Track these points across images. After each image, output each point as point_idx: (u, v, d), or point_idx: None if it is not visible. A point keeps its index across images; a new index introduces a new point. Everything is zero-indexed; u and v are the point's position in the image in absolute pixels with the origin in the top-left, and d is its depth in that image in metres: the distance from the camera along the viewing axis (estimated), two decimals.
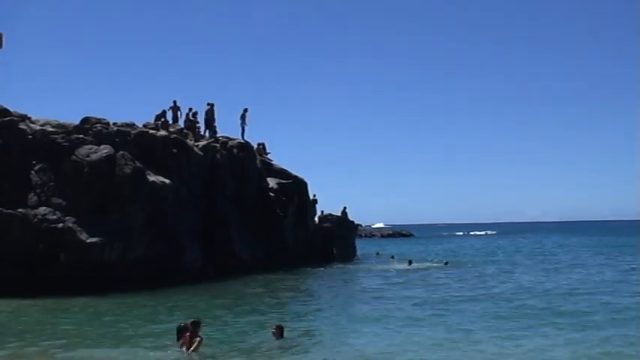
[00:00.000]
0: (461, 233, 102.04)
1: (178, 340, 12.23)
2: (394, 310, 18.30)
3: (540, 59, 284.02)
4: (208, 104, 32.61)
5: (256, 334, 14.59)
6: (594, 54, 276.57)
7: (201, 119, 32.40)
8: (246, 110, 34.26)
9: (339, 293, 23.40)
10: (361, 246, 49.20)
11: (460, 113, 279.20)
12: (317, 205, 40.17)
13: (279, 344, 13.06)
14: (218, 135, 32.47)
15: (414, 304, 19.30)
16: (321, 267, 34.06)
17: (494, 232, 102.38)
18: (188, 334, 12.12)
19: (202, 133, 32.20)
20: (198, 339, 12.07)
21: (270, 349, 12.81)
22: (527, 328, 15.10)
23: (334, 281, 27.78)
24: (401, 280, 27.22)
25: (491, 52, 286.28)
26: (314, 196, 39.34)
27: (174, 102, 31.77)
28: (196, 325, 12.29)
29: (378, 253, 44.33)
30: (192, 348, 11.91)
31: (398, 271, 32.33)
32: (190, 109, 32.31)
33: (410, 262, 35.72)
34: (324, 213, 41.39)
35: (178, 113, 31.85)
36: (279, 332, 13.34)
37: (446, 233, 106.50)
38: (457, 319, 16.42)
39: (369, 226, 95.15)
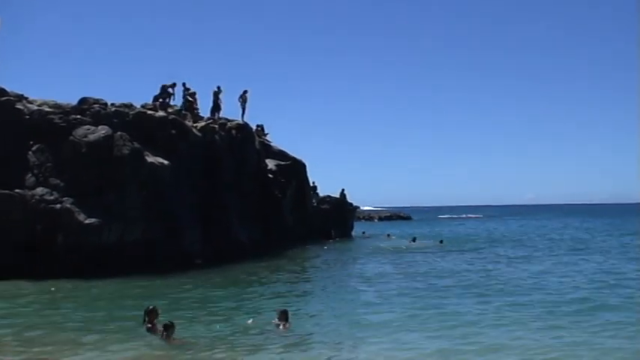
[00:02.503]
0: (464, 215, 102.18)
1: (143, 322, 12.14)
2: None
3: (539, 39, 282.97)
4: (218, 87, 32.37)
5: (255, 319, 14.00)
6: (597, 30, 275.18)
7: (206, 102, 32.16)
8: (245, 92, 34.07)
9: (344, 276, 23.30)
10: (361, 228, 49.31)
11: (457, 97, 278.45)
12: (317, 191, 40.37)
13: (283, 334, 12.53)
14: (217, 116, 32.23)
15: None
16: (325, 245, 34.71)
17: (489, 215, 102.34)
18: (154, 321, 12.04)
19: (211, 114, 31.94)
20: (160, 329, 11.85)
21: (274, 342, 12.05)
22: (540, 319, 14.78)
23: (340, 262, 27.72)
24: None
25: (490, 33, 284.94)
26: (313, 183, 39.47)
27: (174, 84, 31.09)
28: (153, 312, 12.17)
29: (389, 235, 44.21)
30: (166, 339, 11.57)
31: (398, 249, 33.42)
32: (188, 89, 31.93)
33: (414, 240, 37.81)
34: (322, 195, 41.46)
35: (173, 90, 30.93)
36: (284, 317, 13.04)
37: (444, 216, 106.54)
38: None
39: (359, 207, 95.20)
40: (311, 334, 12.83)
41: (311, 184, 39.91)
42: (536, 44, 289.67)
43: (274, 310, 13.84)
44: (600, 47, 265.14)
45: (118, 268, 21.52)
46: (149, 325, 12.12)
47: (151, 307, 12.48)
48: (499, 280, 20.76)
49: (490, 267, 24.66)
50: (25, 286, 19.29)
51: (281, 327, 12.87)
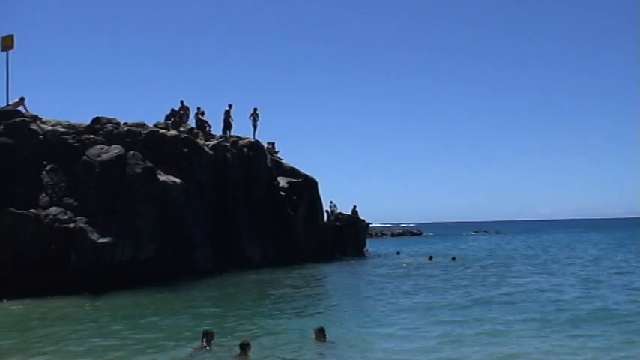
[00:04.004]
0: (473, 233, 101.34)
1: (202, 341, 12.62)
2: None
3: (558, 51, 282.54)
4: (229, 105, 32.77)
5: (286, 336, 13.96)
6: (615, 47, 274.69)
7: (217, 119, 32.55)
8: (255, 109, 34.40)
9: (362, 291, 22.85)
10: (372, 245, 49.31)
11: (470, 112, 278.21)
12: (335, 209, 40.97)
13: (321, 350, 12.54)
14: (228, 134, 32.57)
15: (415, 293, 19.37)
16: (336, 259, 34.81)
17: (499, 232, 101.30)
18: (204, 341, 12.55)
19: (222, 133, 32.30)
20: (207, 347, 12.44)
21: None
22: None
23: (353, 279, 27.68)
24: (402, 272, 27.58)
25: (502, 45, 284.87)
26: (331, 202, 40.36)
27: (182, 102, 31.58)
28: (210, 334, 12.67)
29: (398, 253, 44.24)
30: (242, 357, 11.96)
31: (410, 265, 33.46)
32: (199, 108, 32.35)
33: (430, 258, 37.63)
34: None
35: (187, 112, 31.69)
36: (321, 335, 13.07)
37: (456, 232, 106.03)
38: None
39: (371, 224, 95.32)
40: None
41: (331, 203, 40.88)
42: (549, 56, 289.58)
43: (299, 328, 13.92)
44: (619, 56, 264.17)
45: (130, 285, 21.84)
46: (206, 347, 12.57)
47: (208, 328, 13.04)
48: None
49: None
50: (60, 303, 19.51)
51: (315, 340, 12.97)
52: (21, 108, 25.88)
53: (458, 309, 17.58)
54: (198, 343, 12.64)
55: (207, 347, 12.52)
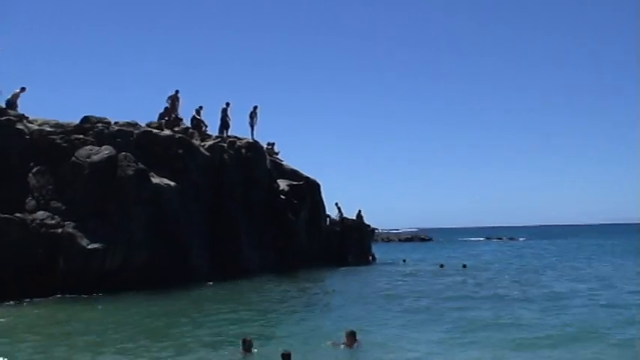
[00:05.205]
0: (482, 238, 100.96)
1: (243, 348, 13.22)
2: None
3: (583, 49, 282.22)
4: (226, 104, 32.63)
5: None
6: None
7: (213, 118, 32.43)
8: (256, 108, 34.27)
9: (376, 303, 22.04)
10: (379, 250, 49.13)
11: (487, 107, 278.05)
12: (341, 212, 40.80)
13: (352, 354, 13.10)
14: (225, 134, 32.47)
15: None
16: (340, 266, 34.80)
17: (522, 238, 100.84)
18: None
19: (219, 133, 32.18)
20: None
21: None
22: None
23: (359, 286, 27.46)
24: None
25: (525, 38, 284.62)
26: (337, 204, 40.16)
27: (177, 92, 30.99)
28: (248, 342, 13.26)
29: (404, 260, 43.65)
30: None
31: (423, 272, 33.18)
32: (199, 108, 32.18)
33: (442, 266, 37.23)
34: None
35: (178, 104, 31.21)
36: (353, 337, 13.47)
37: (469, 238, 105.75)
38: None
39: (377, 229, 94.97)
40: None
41: (336, 205, 40.78)
42: (566, 54, 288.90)
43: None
44: None
45: (121, 292, 21.85)
46: (246, 354, 13.07)
47: (247, 337, 13.50)
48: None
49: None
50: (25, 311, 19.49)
51: (345, 346, 13.38)
52: (18, 100, 26.15)
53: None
54: (235, 350, 13.17)
55: (246, 354, 12.99)
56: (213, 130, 32.48)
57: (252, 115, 34.06)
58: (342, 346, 13.47)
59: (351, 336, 13.50)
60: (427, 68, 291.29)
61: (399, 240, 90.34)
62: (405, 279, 29.81)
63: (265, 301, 21.54)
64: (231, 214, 29.64)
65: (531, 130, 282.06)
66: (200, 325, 16.91)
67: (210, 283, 25.95)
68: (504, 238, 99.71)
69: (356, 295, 23.05)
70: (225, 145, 31.26)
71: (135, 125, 27.97)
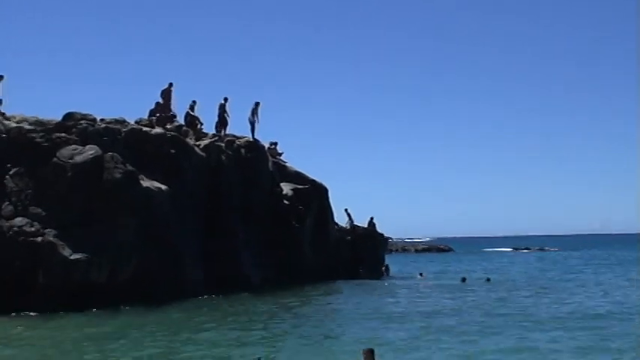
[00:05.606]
0: (508, 249, 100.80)
1: None
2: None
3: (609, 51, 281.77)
4: (224, 99, 32.61)
5: None
6: None
7: (210, 115, 32.42)
8: (257, 104, 34.17)
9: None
10: (393, 261, 49.04)
11: (516, 110, 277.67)
12: (350, 220, 40.75)
13: None
14: (223, 133, 32.44)
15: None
16: (350, 279, 34.76)
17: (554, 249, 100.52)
18: None
19: (216, 131, 32.17)
20: None
21: None
22: None
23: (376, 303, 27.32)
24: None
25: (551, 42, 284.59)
26: (346, 210, 40.11)
27: (170, 84, 31.02)
28: None
29: (421, 274, 43.31)
30: None
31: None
32: (193, 103, 32.16)
33: (464, 280, 37.66)
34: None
35: (173, 96, 31.26)
36: (371, 357, 13.38)
37: (493, 248, 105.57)
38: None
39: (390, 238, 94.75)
40: None
41: (346, 212, 40.81)
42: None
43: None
44: None
45: (107, 307, 21.91)
46: None
47: (259, 357, 13.83)
48: None
49: None
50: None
51: None
52: None
53: None
54: None
55: None
56: (209, 128, 32.56)
57: (254, 112, 33.98)
58: None
59: (370, 354, 13.45)
60: (446, 68, 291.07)
61: (416, 250, 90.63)
62: (421, 296, 29.58)
63: (264, 321, 21.37)
64: (229, 221, 29.64)
65: (564, 133, 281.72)
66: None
67: (205, 296, 26.01)
68: (533, 248, 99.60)
69: (370, 314, 22.85)
70: (223, 144, 31.27)
71: (123, 122, 27.98)
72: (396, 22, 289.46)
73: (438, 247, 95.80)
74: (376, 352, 12.74)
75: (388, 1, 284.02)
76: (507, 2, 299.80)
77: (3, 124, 25.53)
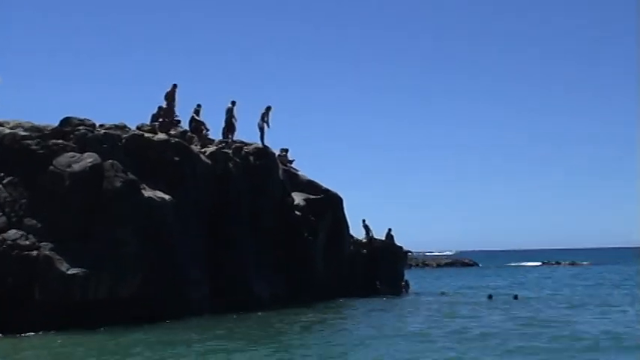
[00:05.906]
0: (537, 263, 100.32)
1: None
2: None
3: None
4: (232, 102, 32.70)
5: None
6: None
7: (217, 120, 32.54)
8: (269, 108, 34.18)
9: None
10: (414, 278, 48.94)
11: (547, 113, 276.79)
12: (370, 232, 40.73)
13: None
14: (230, 139, 32.52)
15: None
16: (367, 296, 34.61)
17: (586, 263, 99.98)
18: None
19: (223, 137, 32.30)
20: None
21: None
22: None
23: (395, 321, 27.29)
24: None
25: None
26: (364, 221, 40.02)
27: (174, 85, 31.13)
28: None
29: (443, 293, 42.85)
30: None
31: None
32: (198, 107, 32.34)
33: (490, 297, 37.56)
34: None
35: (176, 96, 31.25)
36: None
37: (521, 263, 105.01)
38: None
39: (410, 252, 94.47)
40: None
41: (363, 223, 40.67)
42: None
43: None
44: None
45: (106, 324, 22.10)
46: None
47: None
48: None
49: None
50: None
51: None
52: None
53: None
54: None
55: None
56: (215, 134, 32.71)
57: (264, 116, 33.99)
58: None
59: None
60: (446, 68, 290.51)
61: (438, 265, 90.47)
62: (445, 316, 29.43)
63: (275, 341, 21.39)
64: (236, 232, 29.73)
65: (598, 140, 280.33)
66: None
67: (211, 313, 26.16)
68: (564, 262, 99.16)
69: (389, 334, 22.75)
70: (230, 151, 31.37)
71: (123, 128, 28.17)
72: (396, 22, 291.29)
73: (461, 262, 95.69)
74: None
75: (388, 1, 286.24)
76: (507, 2, 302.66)
77: None
